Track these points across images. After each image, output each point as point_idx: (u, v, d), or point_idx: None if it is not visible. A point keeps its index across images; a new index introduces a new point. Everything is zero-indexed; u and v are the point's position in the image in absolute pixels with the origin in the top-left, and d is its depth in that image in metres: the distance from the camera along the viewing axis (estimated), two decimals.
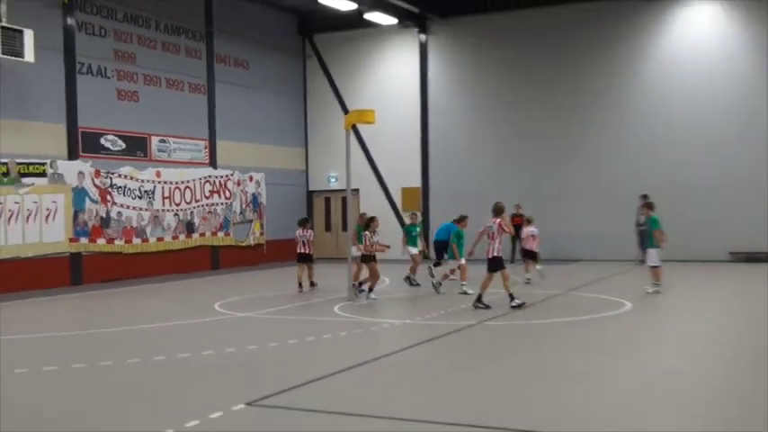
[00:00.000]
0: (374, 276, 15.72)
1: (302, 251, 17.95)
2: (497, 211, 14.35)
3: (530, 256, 18.64)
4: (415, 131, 27.38)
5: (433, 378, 8.94)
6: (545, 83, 25.66)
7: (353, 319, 13.40)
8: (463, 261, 16.96)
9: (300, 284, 17.75)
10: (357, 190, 27.25)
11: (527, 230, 18.78)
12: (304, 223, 18.41)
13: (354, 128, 26.48)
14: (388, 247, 16.67)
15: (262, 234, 26.62)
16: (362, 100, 27.19)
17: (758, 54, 23.37)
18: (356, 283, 16.15)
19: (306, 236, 18.04)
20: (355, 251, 16.38)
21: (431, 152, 27.32)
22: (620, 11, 24.69)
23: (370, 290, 15.83)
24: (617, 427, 6.73)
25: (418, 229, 19.29)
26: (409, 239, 18.91)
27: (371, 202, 27.32)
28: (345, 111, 27.31)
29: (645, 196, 20.59)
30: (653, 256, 16.00)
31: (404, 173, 27.62)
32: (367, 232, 15.83)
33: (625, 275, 20.19)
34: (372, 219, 16.27)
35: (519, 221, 23.65)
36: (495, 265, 14.15)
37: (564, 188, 25.31)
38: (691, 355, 10.02)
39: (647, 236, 16.70)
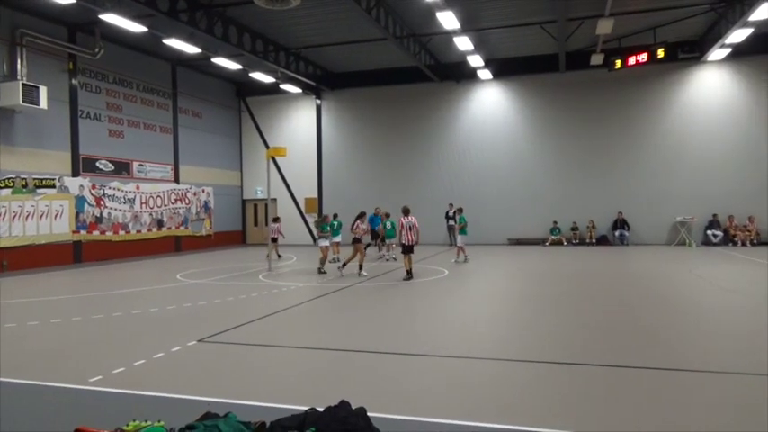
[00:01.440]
0: (361, 255, 14.09)
1: (274, 236, 17.78)
2: (406, 211, 13.43)
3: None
4: (313, 160, 27.14)
5: (320, 320, 9.04)
6: (406, 138, 25.69)
7: (272, 283, 13.20)
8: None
9: (279, 255, 17.76)
10: (275, 199, 26.97)
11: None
12: (276, 220, 18.16)
13: (273, 158, 26.16)
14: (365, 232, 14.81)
15: (210, 228, 25.89)
16: (279, 140, 26.87)
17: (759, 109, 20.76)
18: (341, 264, 14.20)
19: (275, 227, 17.83)
20: (323, 241, 14.98)
21: (324, 174, 27.08)
22: (439, 91, 25.42)
23: (360, 267, 13.93)
24: (433, 349, 6.98)
25: (331, 226, 16.32)
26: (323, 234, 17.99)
27: (285, 207, 27.16)
28: (267, 146, 26.90)
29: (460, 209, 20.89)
30: (460, 240, 16.77)
31: (306, 187, 27.29)
32: (358, 221, 14.13)
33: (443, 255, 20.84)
34: (326, 216, 15.25)
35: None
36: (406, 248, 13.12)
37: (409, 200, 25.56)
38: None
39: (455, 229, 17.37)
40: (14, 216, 17.23)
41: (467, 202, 24.21)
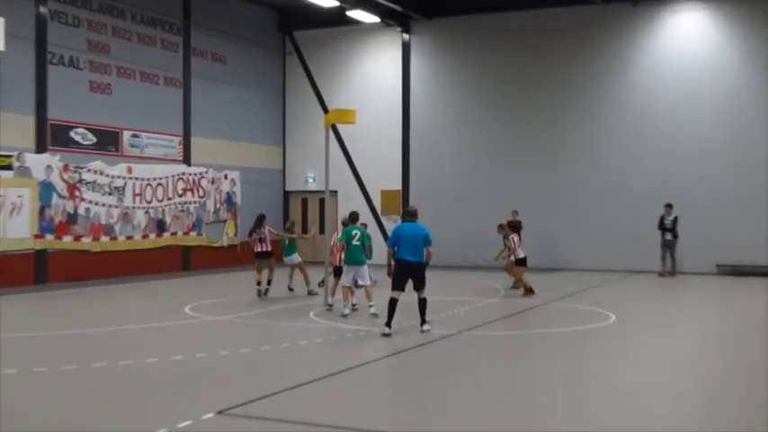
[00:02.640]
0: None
1: (259, 249, 17.54)
2: (516, 226, 18.26)
3: None
4: (396, 133, 27.31)
5: (410, 389, 8.88)
6: (531, 84, 25.66)
7: (329, 325, 13.32)
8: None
9: (259, 284, 17.37)
10: (335, 192, 27.20)
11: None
12: (261, 221, 18.00)
13: (334, 127, 26.39)
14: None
15: (236, 235, 26.42)
16: (343, 99, 27.08)
17: (744, 57, 23.53)
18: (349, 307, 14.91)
19: (263, 233, 17.72)
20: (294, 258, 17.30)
21: (412, 154, 27.24)
22: (606, 15, 24.79)
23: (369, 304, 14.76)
24: None
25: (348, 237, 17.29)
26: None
27: (350, 205, 27.15)
28: (325, 110, 27.18)
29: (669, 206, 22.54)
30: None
31: (384, 175, 27.51)
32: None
33: (614, 285, 20.37)
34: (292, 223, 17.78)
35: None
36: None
37: (553, 190, 25.29)
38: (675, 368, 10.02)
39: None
40: None
41: (642, 203, 24.02)
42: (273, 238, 17.89)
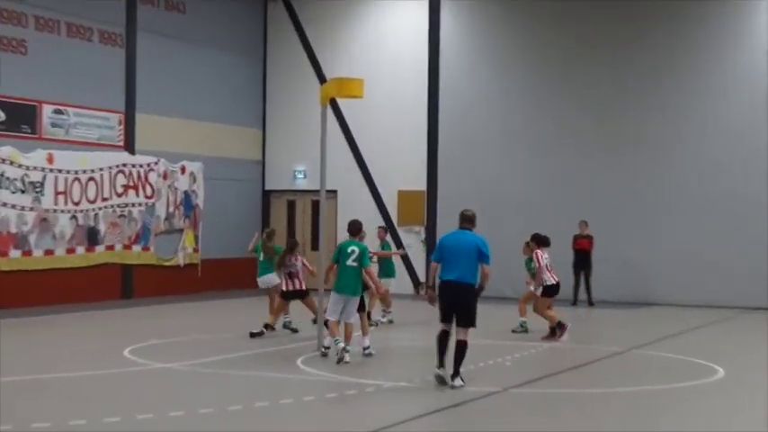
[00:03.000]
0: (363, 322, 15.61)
1: (290, 288, 17.30)
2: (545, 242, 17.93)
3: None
4: (419, 112, 27.27)
5: None
6: (617, 54, 25.50)
7: (324, 377, 13.25)
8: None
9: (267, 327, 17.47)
10: (335, 192, 27.11)
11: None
12: (292, 248, 17.78)
13: (334, 104, 26.29)
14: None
15: (196, 250, 26.31)
16: (346, 65, 26.95)
17: None
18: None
19: (295, 265, 17.51)
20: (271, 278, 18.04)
21: (442, 143, 27.21)
22: None
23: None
24: None
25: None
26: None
27: (354, 210, 27.10)
28: (322, 79, 27.11)
29: None
30: None
31: (402, 170, 27.49)
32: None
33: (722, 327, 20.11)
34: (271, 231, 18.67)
35: (585, 245, 23.71)
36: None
37: (641, 198, 25.15)
38: None
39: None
40: None
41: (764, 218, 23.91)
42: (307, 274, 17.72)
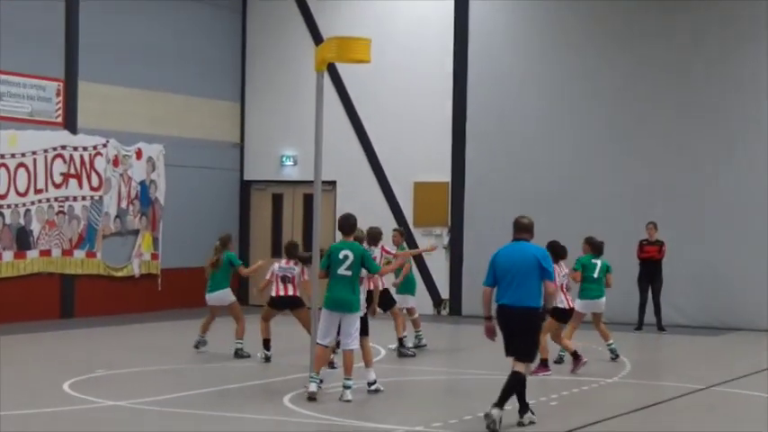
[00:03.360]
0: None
1: (281, 293, 17.93)
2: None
3: None
4: (442, 85, 27.32)
5: None
6: (693, 26, 25.40)
7: (320, 420, 13.24)
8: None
9: (266, 346, 18.23)
10: (333, 183, 27.24)
11: None
12: (291, 251, 18.14)
13: (333, 71, 26.35)
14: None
15: (155, 257, 26.32)
16: (349, 21, 27.13)
17: None
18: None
19: (290, 270, 17.97)
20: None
21: (470, 122, 27.25)
22: None
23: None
24: None
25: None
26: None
27: (358, 204, 27.15)
28: (318, 39, 27.08)
29: None
30: None
31: (420, 158, 27.58)
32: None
33: None
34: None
35: (653, 253, 23.76)
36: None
37: (723, 197, 25.01)
38: None
39: None
40: None
41: None
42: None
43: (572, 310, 17.68)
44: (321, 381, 14.56)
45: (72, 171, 24.64)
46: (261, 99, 29.10)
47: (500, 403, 12.32)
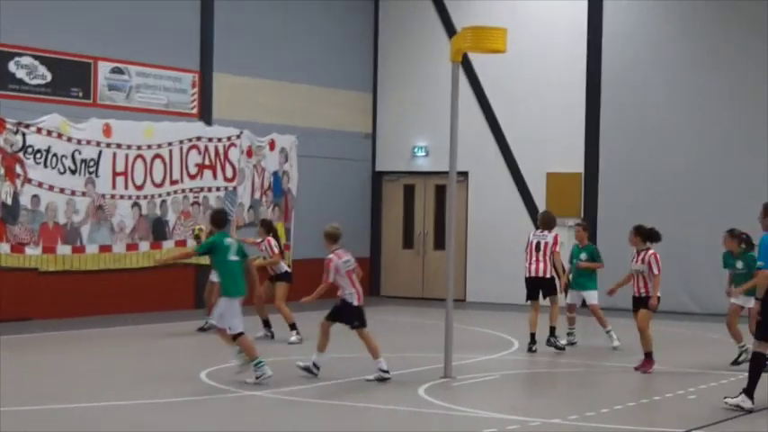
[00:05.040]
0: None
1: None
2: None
3: None
4: (575, 75, 27.18)
5: None
6: None
7: (453, 411, 13.25)
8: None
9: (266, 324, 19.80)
10: (465, 174, 27.22)
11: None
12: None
13: (466, 62, 26.26)
14: None
15: (287, 247, 26.39)
16: (484, 11, 26.93)
17: None
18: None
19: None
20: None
21: (604, 114, 27.09)
22: None
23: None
24: None
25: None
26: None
27: (491, 196, 27.21)
28: (451, 30, 27.20)
29: None
30: None
31: (553, 148, 27.45)
32: None
33: None
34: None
35: None
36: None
37: None
38: None
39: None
40: None
41: None
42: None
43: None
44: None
45: (206, 162, 24.93)
46: (393, 89, 29.19)
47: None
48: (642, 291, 16.54)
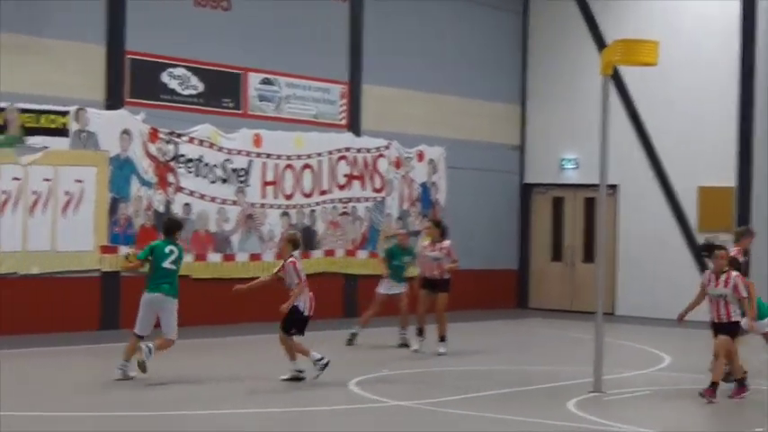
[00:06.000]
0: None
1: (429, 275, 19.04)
2: None
3: None
4: (728, 86, 26.71)
5: None
6: None
7: (606, 427, 13.19)
8: None
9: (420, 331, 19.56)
10: (614, 187, 26.97)
11: None
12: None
13: (616, 74, 25.96)
14: None
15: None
16: (632, 23, 26.80)
17: None
18: None
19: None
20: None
21: (757, 125, 26.63)
22: None
23: None
24: None
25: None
26: None
27: (641, 209, 26.92)
28: (600, 42, 27.06)
29: None
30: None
31: (704, 161, 27.01)
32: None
33: None
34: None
35: None
36: None
37: None
38: None
39: None
40: None
41: None
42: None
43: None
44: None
45: (355, 173, 25.10)
46: (542, 101, 29.04)
47: None
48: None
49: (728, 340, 15.13)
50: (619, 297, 27.72)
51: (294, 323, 16.06)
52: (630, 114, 27.50)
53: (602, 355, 15.39)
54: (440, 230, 19.71)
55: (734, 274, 15.24)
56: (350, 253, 25.02)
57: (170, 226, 16.10)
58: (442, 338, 19.21)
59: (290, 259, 16.16)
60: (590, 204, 27.64)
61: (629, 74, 26.38)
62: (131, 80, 21.42)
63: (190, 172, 22.05)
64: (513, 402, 14.72)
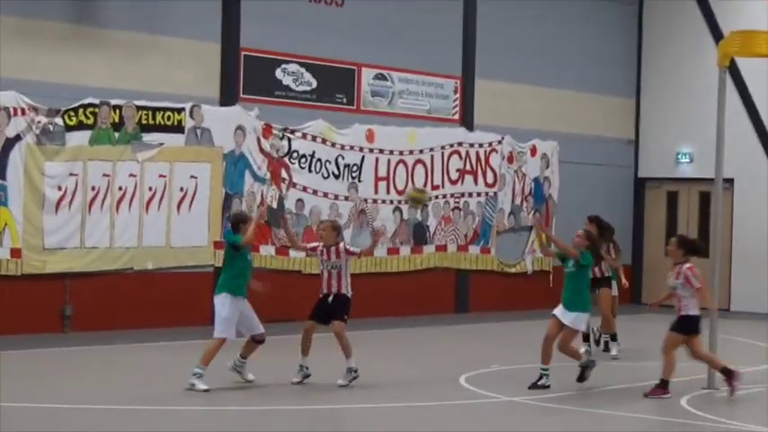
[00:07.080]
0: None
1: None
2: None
3: None
4: None
5: None
6: None
7: (721, 424, 13.02)
8: None
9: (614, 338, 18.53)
10: (730, 181, 26.48)
11: None
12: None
13: (733, 66, 25.65)
14: None
15: (547, 244, 26.32)
16: (750, 13, 26.36)
17: None
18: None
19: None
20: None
21: None
22: None
23: None
24: None
25: None
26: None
27: (756, 204, 26.59)
28: (717, 33, 26.75)
29: None
30: None
31: None
32: None
33: None
34: None
35: None
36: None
37: None
38: None
39: None
40: (91, 200, 19.65)
41: None
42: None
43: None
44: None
45: (468, 168, 25.09)
46: (656, 95, 28.81)
47: None
48: None
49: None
50: (734, 293, 27.41)
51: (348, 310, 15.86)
52: (746, 106, 27.15)
53: (716, 351, 15.21)
54: (596, 225, 18.64)
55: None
56: (461, 248, 24.96)
57: (238, 219, 15.62)
58: (614, 337, 18.60)
59: (341, 244, 16.18)
60: (705, 199, 27.38)
61: (747, 65, 26.05)
62: (245, 77, 21.67)
63: (303, 168, 22.21)
64: (626, 398, 14.68)
